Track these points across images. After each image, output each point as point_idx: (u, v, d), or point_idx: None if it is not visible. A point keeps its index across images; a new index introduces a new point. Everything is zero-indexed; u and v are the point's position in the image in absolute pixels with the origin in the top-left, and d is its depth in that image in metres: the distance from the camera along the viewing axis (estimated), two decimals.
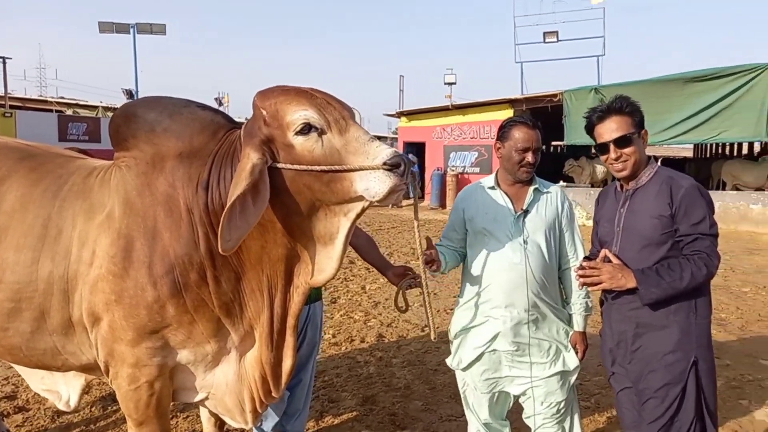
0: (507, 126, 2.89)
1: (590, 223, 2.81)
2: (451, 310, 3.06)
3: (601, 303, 2.76)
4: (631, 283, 2.43)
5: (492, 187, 2.92)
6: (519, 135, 2.81)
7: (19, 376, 4.05)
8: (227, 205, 2.09)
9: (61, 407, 2.90)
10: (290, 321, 2.46)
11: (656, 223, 2.46)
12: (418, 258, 2.64)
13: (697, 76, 15.10)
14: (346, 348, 5.70)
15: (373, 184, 2.13)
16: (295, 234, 2.32)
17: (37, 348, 2.54)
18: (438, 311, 6.90)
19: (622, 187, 2.66)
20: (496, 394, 2.95)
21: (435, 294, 7.75)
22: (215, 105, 28.58)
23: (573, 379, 2.93)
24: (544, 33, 21.67)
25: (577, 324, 2.91)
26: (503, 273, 2.79)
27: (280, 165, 2.20)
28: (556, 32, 21.56)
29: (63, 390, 2.87)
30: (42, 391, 2.97)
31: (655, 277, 2.40)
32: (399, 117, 23.86)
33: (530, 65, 22.97)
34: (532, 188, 2.87)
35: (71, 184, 2.54)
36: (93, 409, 4.29)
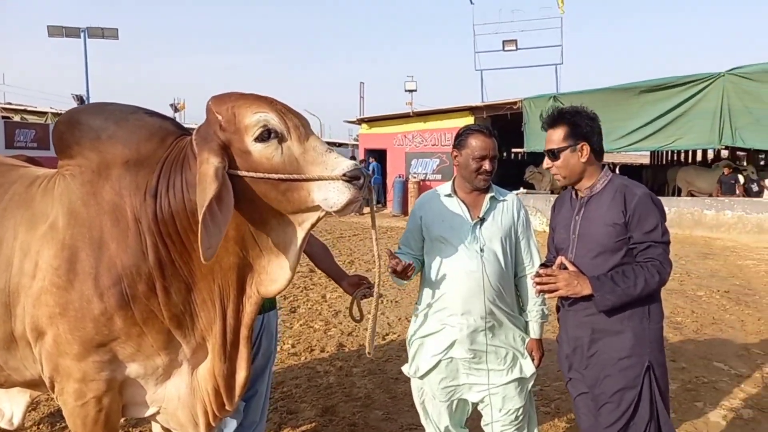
0: (464, 134, 2.90)
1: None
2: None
3: (558, 309, 2.78)
4: (587, 290, 2.45)
5: (449, 195, 2.92)
6: (476, 143, 2.83)
7: None
8: (200, 214, 2.02)
9: (4, 425, 2.81)
10: (243, 331, 2.41)
11: (610, 230, 2.49)
12: (379, 267, 2.62)
13: (653, 85, 15.43)
14: (306, 358, 5.64)
15: (332, 194, 2.14)
16: (248, 243, 2.28)
17: None
18: (399, 319, 6.89)
19: (577, 194, 2.68)
20: (455, 402, 2.96)
21: (396, 302, 7.73)
22: (171, 111, 28.13)
23: (530, 385, 2.95)
24: (504, 41, 21.96)
25: (533, 331, 2.93)
26: (460, 281, 2.79)
27: (239, 172, 2.16)
28: (515, 41, 21.86)
29: (6, 407, 2.78)
30: None
31: (610, 283, 2.43)
32: (360, 124, 23.86)
33: (490, 73, 23.22)
34: (488, 196, 2.88)
35: (12, 193, 2.45)
36: (40, 426, 4.15)
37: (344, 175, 2.13)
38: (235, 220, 2.20)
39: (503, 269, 2.82)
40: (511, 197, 2.95)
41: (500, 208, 2.89)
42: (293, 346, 5.94)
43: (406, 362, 3.06)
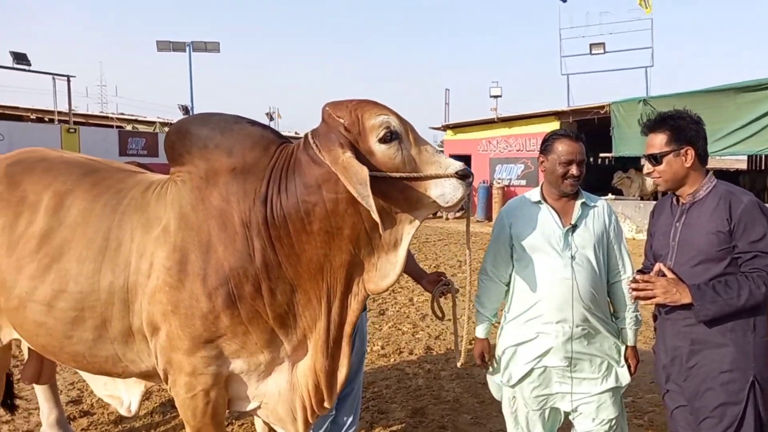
0: (550, 139, 2.86)
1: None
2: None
3: (655, 318, 2.72)
4: (686, 299, 2.38)
5: (538, 202, 2.88)
6: (562, 148, 2.78)
7: (84, 381, 4.18)
8: (365, 197, 2.15)
9: (122, 413, 2.98)
10: (347, 329, 2.51)
11: (713, 238, 2.40)
12: (470, 273, 2.73)
13: (750, 85, 14.65)
14: (395, 360, 5.73)
15: (449, 190, 2.30)
16: (361, 241, 2.37)
17: (99, 355, 2.64)
18: None
19: (678, 200, 2.61)
20: (547, 411, 2.91)
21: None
22: (266, 120, 29.02)
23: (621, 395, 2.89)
24: (591, 44, 21.40)
25: (627, 338, 2.87)
26: (552, 288, 2.75)
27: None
28: (603, 44, 21.27)
29: (124, 396, 2.96)
30: (105, 397, 3.06)
31: (712, 293, 2.34)
32: (445, 130, 23.86)
33: (577, 77, 22.68)
34: (579, 202, 2.83)
35: (130, 198, 2.63)
36: (153, 415, 4.41)
37: (456, 173, 2.29)
38: (352, 218, 2.32)
39: (596, 276, 2.77)
40: (601, 203, 2.90)
41: (592, 214, 2.84)
42: (383, 348, 6.06)
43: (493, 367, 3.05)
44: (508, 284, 2.96)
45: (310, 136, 2.42)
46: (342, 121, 2.33)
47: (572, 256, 2.75)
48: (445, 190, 2.30)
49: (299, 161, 2.40)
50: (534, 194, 2.93)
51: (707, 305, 2.35)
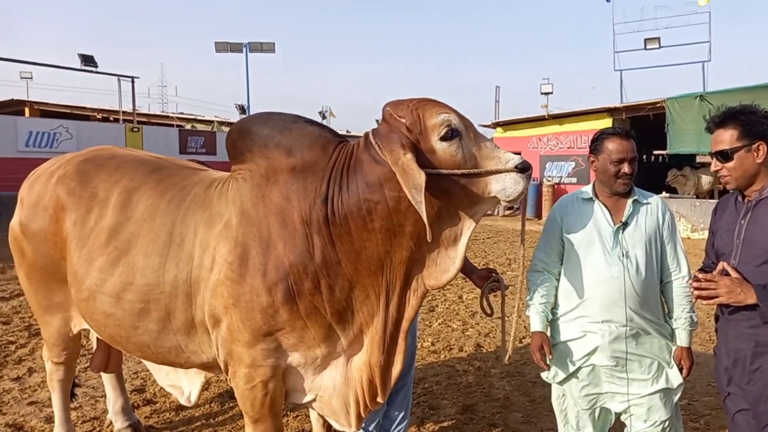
0: (599, 138, 2.83)
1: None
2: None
3: (716, 319, 2.66)
4: (751, 299, 2.31)
5: (590, 199, 2.85)
6: (612, 146, 2.74)
7: (147, 371, 4.33)
8: (416, 197, 2.19)
9: (183, 402, 3.09)
10: (404, 325, 2.53)
11: None
12: (522, 270, 2.69)
13: None
14: (445, 356, 5.74)
15: (510, 184, 2.33)
16: (422, 237, 2.37)
17: (163, 346, 2.74)
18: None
19: (743, 197, 2.53)
20: (597, 410, 2.87)
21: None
22: (319, 119, 29.36)
23: (677, 397, 2.83)
24: (645, 39, 20.98)
25: (682, 339, 2.80)
26: (601, 287, 2.72)
27: (427, 170, 2.27)
28: (658, 38, 20.82)
29: (185, 386, 3.06)
30: (167, 386, 3.17)
31: None
32: (495, 127, 23.70)
33: (630, 73, 22.19)
34: (630, 200, 2.79)
35: (193, 194, 2.72)
36: (212, 404, 4.53)
37: (516, 167, 2.31)
38: (414, 215, 2.33)
39: (647, 275, 2.72)
40: (655, 200, 2.84)
41: (644, 211, 2.79)
42: (433, 344, 6.08)
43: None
44: (558, 279, 2.92)
45: (371, 136, 2.46)
46: (404, 120, 2.36)
47: (622, 255, 2.71)
48: (506, 185, 2.33)
49: (360, 160, 2.44)
50: (586, 191, 2.90)
51: None
